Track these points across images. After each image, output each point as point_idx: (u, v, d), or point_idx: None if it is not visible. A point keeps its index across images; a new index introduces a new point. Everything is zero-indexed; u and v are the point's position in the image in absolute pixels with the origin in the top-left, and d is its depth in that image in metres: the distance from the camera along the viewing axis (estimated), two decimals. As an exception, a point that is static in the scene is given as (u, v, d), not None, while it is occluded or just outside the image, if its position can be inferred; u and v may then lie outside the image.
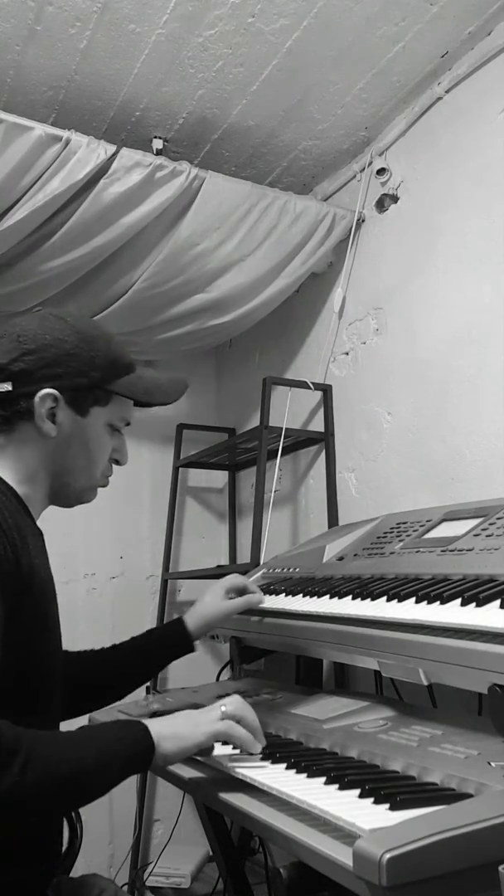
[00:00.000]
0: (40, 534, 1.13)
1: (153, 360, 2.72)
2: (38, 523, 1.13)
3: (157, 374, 1.23)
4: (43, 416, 1.07)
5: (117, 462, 1.21)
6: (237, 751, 1.07)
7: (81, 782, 0.90)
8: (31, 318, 1.13)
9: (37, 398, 1.06)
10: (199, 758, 1.09)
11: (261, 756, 1.05)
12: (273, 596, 1.54)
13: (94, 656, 1.35)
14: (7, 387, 1.06)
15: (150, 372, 1.22)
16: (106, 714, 1.43)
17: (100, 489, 1.20)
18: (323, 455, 2.34)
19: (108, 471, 1.20)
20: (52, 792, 0.87)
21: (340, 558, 1.60)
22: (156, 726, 0.98)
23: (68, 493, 1.15)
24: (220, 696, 1.56)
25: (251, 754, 1.05)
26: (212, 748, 1.06)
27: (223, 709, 1.04)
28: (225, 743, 1.08)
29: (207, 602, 1.41)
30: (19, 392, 1.06)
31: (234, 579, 1.45)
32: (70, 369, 1.08)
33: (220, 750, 1.09)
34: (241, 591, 1.44)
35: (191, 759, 1.09)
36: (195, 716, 1.05)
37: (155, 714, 1.36)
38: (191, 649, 1.40)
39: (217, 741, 1.04)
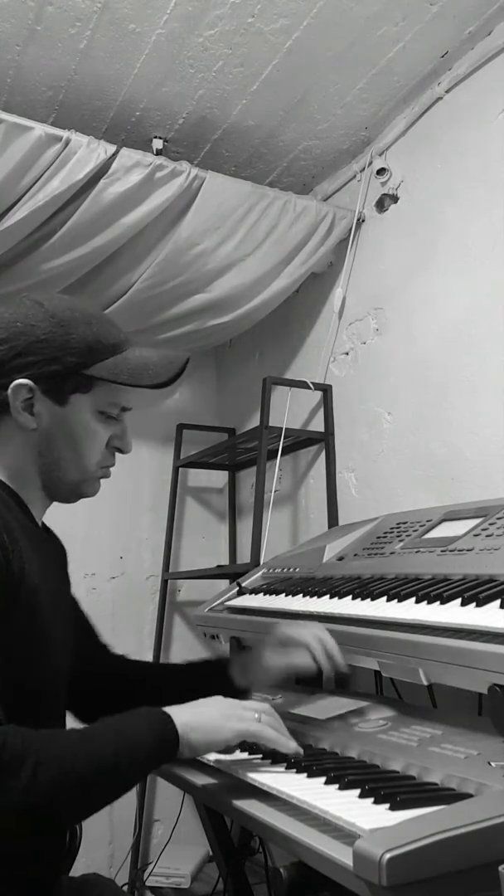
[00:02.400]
0: (43, 532, 1.11)
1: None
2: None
3: (148, 354, 1.11)
4: (18, 408, 1.02)
5: (120, 450, 1.12)
6: (252, 757, 1.06)
7: (103, 777, 0.86)
8: (8, 304, 1.07)
9: (10, 390, 1.01)
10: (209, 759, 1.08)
11: (279, 762, 1.02)
12: (273, 596, 1.54)
13: (147, 668, 1.32)
14: None
15: (142, 351, 1.10)
16: None
17: (103, 487, 1.13)
18: (323, 455, 2.34)
19: (108, 460, 1.11)
20: (72, 790, 0.83)
21: (340, 558, 1.60)
22: (182, 716, 0.93)
23: (61, 488, 1.09)
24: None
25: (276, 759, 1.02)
26: (232, 749, 1.02)
27: (255, 715, 0.99)
28: (243, 749, 1.07)
29: (267, 658, 1.25)
30: None
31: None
32: (42, 357, 1.01)
33: (233, 755, 1.07)
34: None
35: (193, 759, 1.06)
36: (224, 707, 0.98)
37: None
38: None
39: (244, 739, 0.99)
